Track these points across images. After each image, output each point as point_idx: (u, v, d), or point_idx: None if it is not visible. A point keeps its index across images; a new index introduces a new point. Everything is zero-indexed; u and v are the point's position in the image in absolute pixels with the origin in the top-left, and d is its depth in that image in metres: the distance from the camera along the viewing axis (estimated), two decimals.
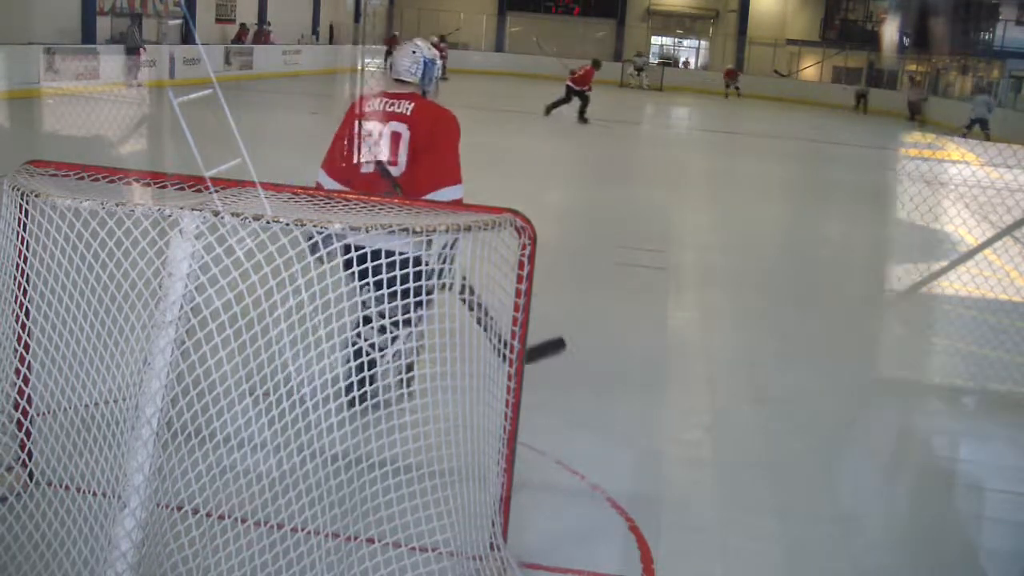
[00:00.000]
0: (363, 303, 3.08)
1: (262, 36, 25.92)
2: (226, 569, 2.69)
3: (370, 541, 2.90)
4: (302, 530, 2.79)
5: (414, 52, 4.30)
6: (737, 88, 29.79)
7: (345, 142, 4.29)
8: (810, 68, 31.88)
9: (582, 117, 18.12)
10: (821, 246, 9.30)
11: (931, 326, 6.87)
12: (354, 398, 2.92)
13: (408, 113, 4.16)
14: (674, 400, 4.87)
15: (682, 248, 7.04)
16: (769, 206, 11.74)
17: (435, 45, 17.94)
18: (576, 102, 18.14)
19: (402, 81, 4.26)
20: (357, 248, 2.78)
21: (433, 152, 4.10)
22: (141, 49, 18.60)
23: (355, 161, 4.21)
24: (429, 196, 3.95)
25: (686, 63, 36.04)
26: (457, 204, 3.80)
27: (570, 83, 18.40)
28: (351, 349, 3.18)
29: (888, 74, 30.97)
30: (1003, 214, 7.05)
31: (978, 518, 3.98)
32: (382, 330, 3.27)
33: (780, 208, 11.78)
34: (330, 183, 4.22)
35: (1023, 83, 27.50)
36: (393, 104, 4.21)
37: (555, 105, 18.31)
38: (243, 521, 2.78)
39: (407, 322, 3.19)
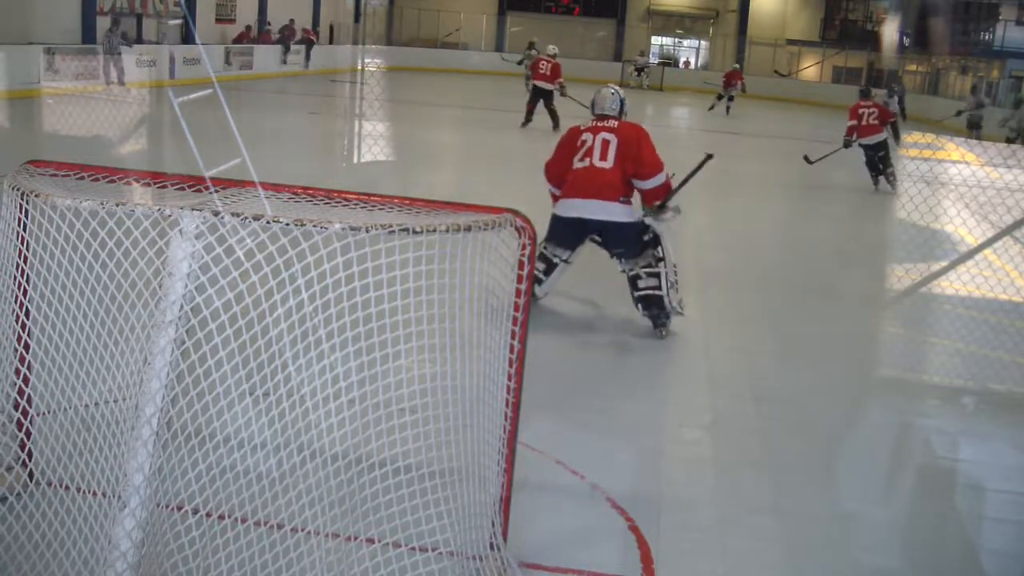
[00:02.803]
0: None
1: (289, 34, 26.08)
2: (226, 569, 2.69)
3: (370, 541, 2.90)
4: (302, 530, 2.79)
5: (613, 94, 5.98)
6: (730, 98, 22.79)
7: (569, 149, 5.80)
8: (810, 68, 31.86)
9: (555, 123, 16.10)
10: (821, 246, 9.30)
11: (931, 326, 6.87)
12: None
13: (614, 127, 5.72)
14: (674, 400, 4.87)
15: (682, 248, 7.03)
16: (769, 206, 11.73)
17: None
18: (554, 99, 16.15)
19: (605, 116, 5.82)
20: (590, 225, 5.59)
21: (641, 153, 5.59)
22: (122, 49, 17.79)
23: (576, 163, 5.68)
24: (650, 181, 5.60)
25: (687, 63, 36.02)
26: (667, 184, 5.64)
27: (537, 82, 16.30)
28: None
29: (888, 74, 30.96)
30: (1003, 214, 7.05)
31: (978, 518, 3.98)
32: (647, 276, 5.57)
33: (780, 208, 11.78)
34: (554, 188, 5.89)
35: (1023, 83, 27.49)
36: (603, 122, 5.79)
37: (528, 116, 16.51)
38: (243, 521, 2.78)
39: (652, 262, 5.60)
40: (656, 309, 5.63)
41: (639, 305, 5.65)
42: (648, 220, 5.66)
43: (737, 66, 24.14)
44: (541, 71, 16.54)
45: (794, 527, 3.67)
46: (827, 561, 3.46)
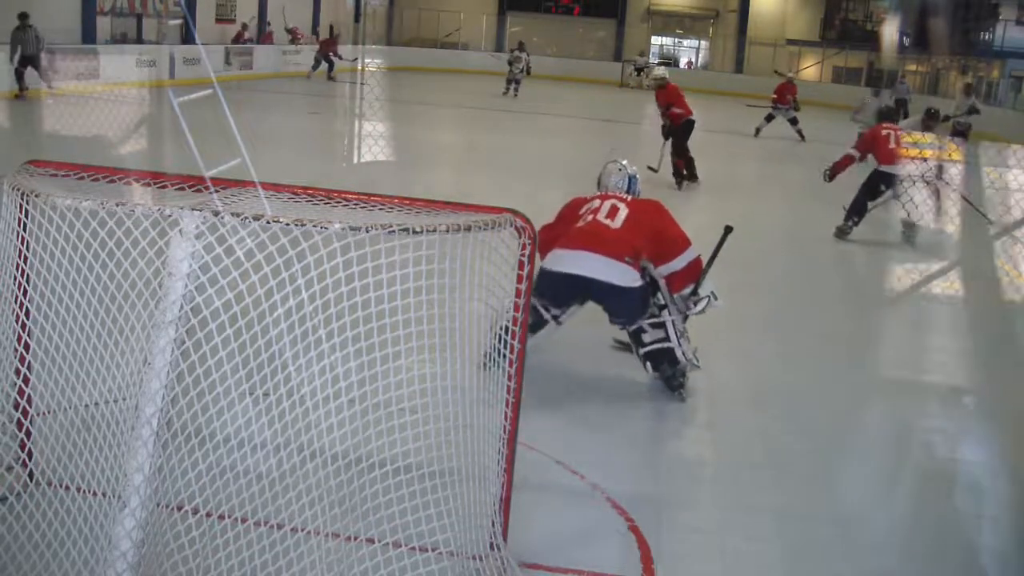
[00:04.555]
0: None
1: (292, 35, 26.04)
2: (226, 569, 2.69)
3: (370, 541, 2.90)
4: (302, 530, 2.79)
5: (620, 169, 5.20)
6: (792, 120, 17.77)
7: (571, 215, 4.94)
8: (810, 68, 31.85)
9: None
10: (821, 246, 9.29)
11: (931, 326, 6.87)
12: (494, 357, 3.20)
13: (626, 199, 4.90)
14: (674, 400, 4.86)
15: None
16: (769, 206, 11.73)
17: (519, 46, 17.43)
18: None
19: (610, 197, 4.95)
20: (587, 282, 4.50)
21: (663, 228, 4.77)
22: (41, 54, 15.38)
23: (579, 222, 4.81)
24: (677, 260, 4.73)
25: (689, 63, 36.02)
26: (697, 262, 4.76)
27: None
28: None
29: (888, 74, 30.96)
30: (1003, 214, 7.05)
31: (978, 518, 3.98)
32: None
33: (780, 208, 11.77)
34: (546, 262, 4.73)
35: (1023, 83, 27.49)
36: (610, 195, 4.96)
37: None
38: (243, 521, 2.78)
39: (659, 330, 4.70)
40: (668, 366, 4.70)
41: (647, 364, 4.74)
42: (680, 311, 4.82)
43: (790, 75, 19.55)
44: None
45: (794, 527, 3.67)
46: (827, 561, 3.46)
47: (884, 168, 9.06)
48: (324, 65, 24.29)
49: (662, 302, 4.77)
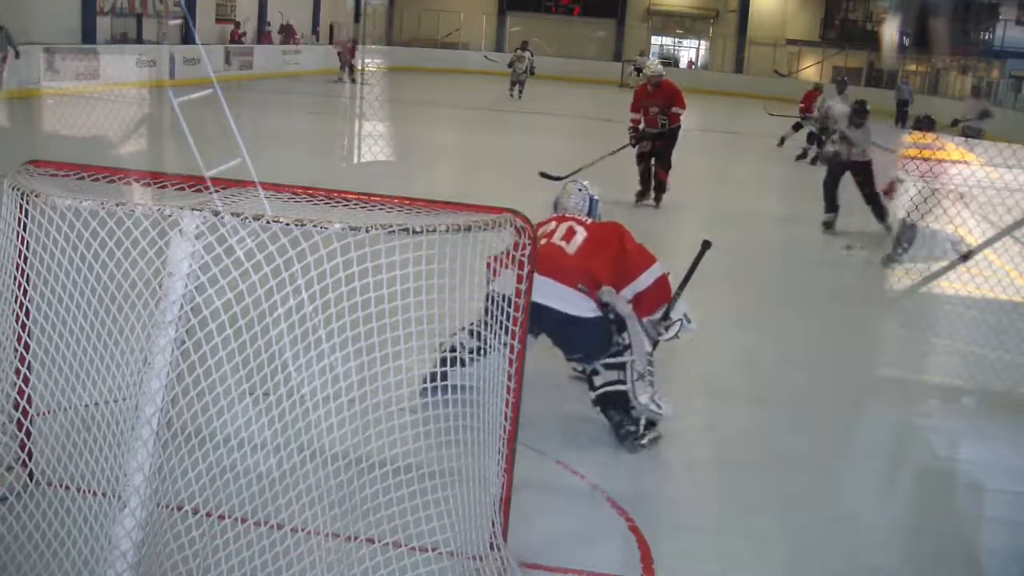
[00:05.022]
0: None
1: (286, 34, 26.01)
2: (226, 569, 2.69)
3: (370, 541, 2.90)
4: (302, 530, 2.79)
5: (580, 190, 4.75)
6: (820, 131, 13.90)
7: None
8: (810, 68, 31.86)
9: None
10: (821, 246, 9.29)
11: (931, 326, 6.87)
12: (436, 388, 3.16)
13: (585, 221, 4.48)
14: (674, 400, 4.86)
15: (682, 248, 7.03)
16: (769, 206, 11.73)
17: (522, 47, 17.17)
18: None
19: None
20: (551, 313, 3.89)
21: (624, 249, 4.31)
22: (9, 51, 14.88)
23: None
24: (642, 277, 4.24)
25: (691, 63, 36.03)
26: (664, 281, 4.28)
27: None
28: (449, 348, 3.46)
29: (888, 74, 30.97)
30: (1003, 214, 7.05)
31: (978, 518, 3.98)
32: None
33: (780, 208, 11.78)
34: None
35: (1023, 83, 27.48)
36: (568, 217, 4.52)
37: None
38: (243, 521, 2.78)
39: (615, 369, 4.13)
40: (617, 412, 4.11)
41: (597, 407, 4.21)
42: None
43: (820, 84, 17.54)
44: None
45: (794, 527, 3.67)
46: (827, 561, 3.46)
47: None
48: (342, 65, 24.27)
49: (627, 342, 4.16)
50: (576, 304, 4.05)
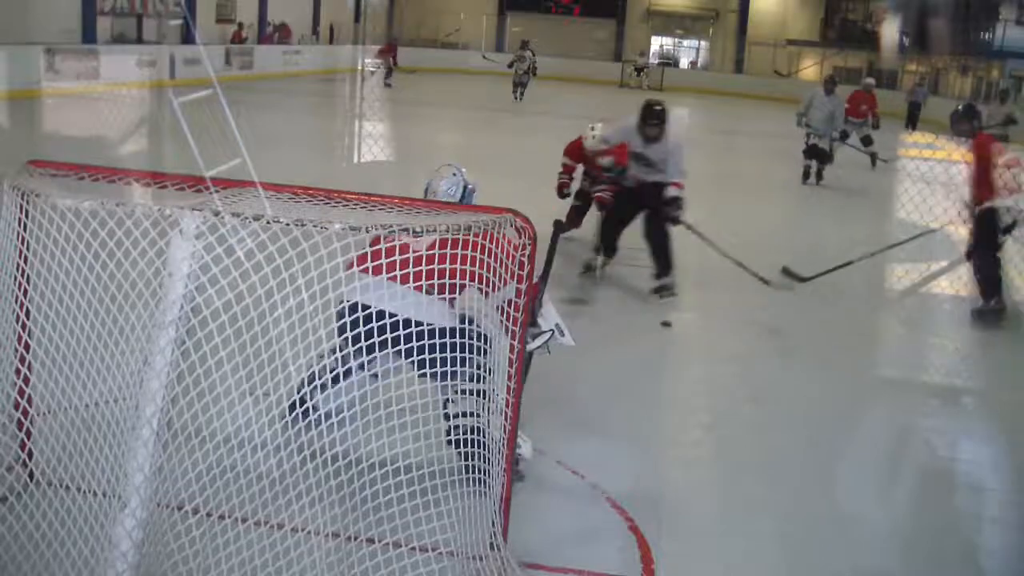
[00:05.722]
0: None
1: (280, 34, 26.03)
2: (226, 569, 2.69)
3: (370, 541, 2.90)
4: (302, 530, 2.79)
5: (455, 175, 4.24)
6: (867, 141, 14.48)
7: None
8: (810, 68, 31.86)
9: None
10: (821, 246, 9.29)
11: (931, 326, 6.86)
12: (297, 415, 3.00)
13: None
14: (674, 400, 4.87)
15: (682, 248, 7.03)
16: (769, 206, 11.73)
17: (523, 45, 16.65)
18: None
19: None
20: (389, 315, 2.90)
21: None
22: None
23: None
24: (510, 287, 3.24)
25: (693, 63, 36.04)
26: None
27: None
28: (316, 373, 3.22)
29: (888, 74, 30.97)
30: (1003, 214, 7.04)
31: (978, 518, 3.98)
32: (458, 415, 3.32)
33: (780, 208, 11.78)
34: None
35: (1023, 83, 27.46)
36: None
37: None
38: (243, 521, 2.78)
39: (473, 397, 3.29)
40: (466, 455, 3.15)
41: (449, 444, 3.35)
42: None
43: (871, 82, 15.30)
44: None
45: (794, 527, 3.67)
46: (827, 561, 3.46)
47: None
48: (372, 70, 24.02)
49: (489, 364, 3.29)
50: (429, 310, 3.20)
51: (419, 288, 3.16)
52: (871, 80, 15.68)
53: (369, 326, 2.90)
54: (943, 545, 3.68)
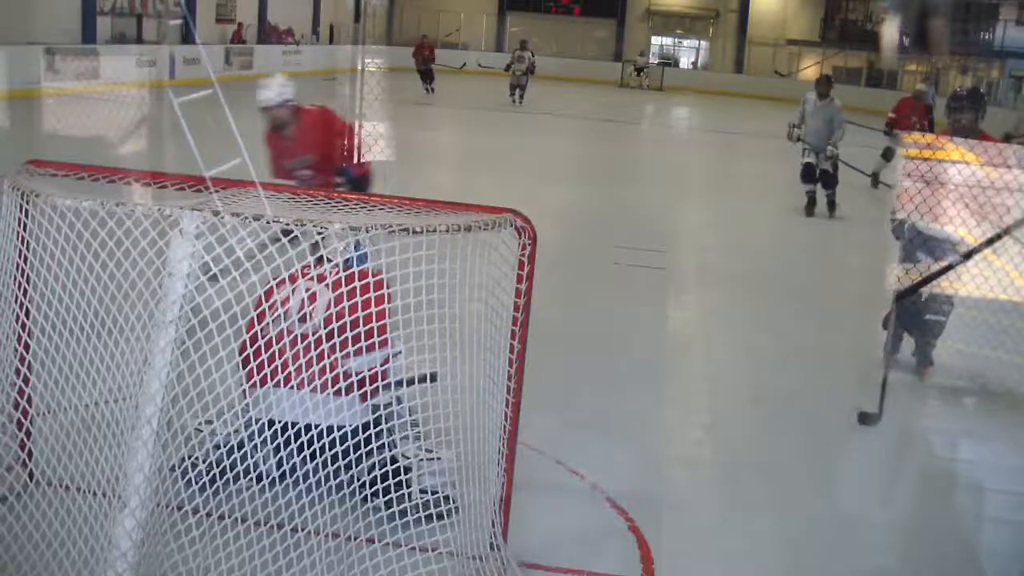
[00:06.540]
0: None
1: (277, 34, 26.06)
2: (226, 569, 2.69)
3: (370, 541, 2.90)
4: (302, 530, 2.79)
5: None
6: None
7: None
8: (810, 68, 31.86)
9: None
10: (821, 246, 9.30)
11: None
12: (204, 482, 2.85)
13: (331, 273, 3.32)
14: (673, 400, 4.86)
15: (682, 248, 7.04)
16: (768, 206, 11.73)
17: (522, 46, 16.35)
18: None
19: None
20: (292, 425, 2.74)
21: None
22: None
23: None
24: (376, 354, 3.15)
25: (693, 63, 36.04)
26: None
27: None
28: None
29: (888, 74, 30.97)
30: (1003, 214, 7.04)
31: (978, 518, 3.98)
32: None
33: (779, 208, 11.77)
34: None
35: (1023, 83, 27.48)
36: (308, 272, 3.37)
37: None
38: (243, 521, 2.78)
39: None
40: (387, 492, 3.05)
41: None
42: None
43: (923, 89, 12.77)
44: None
45: (794, 527, 3.67)
46: (827, 561, 3.46)
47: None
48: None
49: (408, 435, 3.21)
50: (336, 411, 2.86)
51: (311, 385, 2.91)
52: (923, 87, 12.74)
53: (287, 437, 2.72)
54: (943, 545, 3.68)
